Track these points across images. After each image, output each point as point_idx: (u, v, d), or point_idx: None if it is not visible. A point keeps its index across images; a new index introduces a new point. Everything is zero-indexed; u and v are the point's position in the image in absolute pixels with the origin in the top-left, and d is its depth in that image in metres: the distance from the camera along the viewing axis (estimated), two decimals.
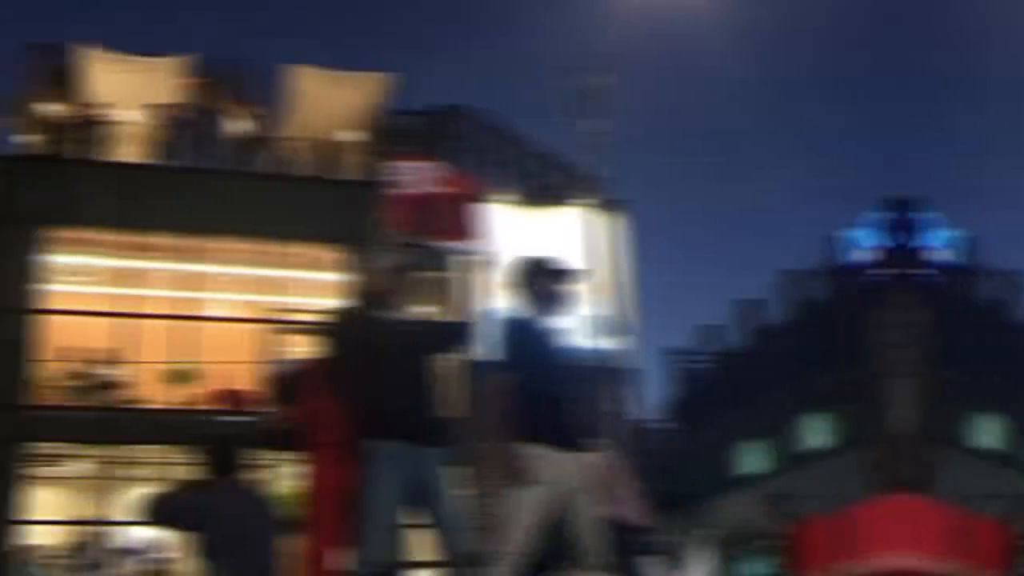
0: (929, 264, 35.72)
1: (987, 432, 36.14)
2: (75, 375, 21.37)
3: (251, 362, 21.53)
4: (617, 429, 15.62)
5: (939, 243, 36.41)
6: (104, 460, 20.62)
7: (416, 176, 6.89)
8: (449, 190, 7.02)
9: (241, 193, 23.02)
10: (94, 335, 21.47)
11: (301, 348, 17.72)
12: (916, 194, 36.84)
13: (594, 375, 15.65)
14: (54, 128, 23.71)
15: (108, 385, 21.24)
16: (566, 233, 22.20)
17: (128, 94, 24.07)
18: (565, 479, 6.43)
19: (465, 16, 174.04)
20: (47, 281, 21.63)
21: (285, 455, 7.37)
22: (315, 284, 23.12)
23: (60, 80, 24.70)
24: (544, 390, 6.53)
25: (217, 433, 7.20)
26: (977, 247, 38.51)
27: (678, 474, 47.96)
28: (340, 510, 6.67)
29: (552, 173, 26.20)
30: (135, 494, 18.41)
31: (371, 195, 19.39)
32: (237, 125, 24.46)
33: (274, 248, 22.47)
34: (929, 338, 32.64)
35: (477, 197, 7.26)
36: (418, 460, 6.54)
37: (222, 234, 22.45)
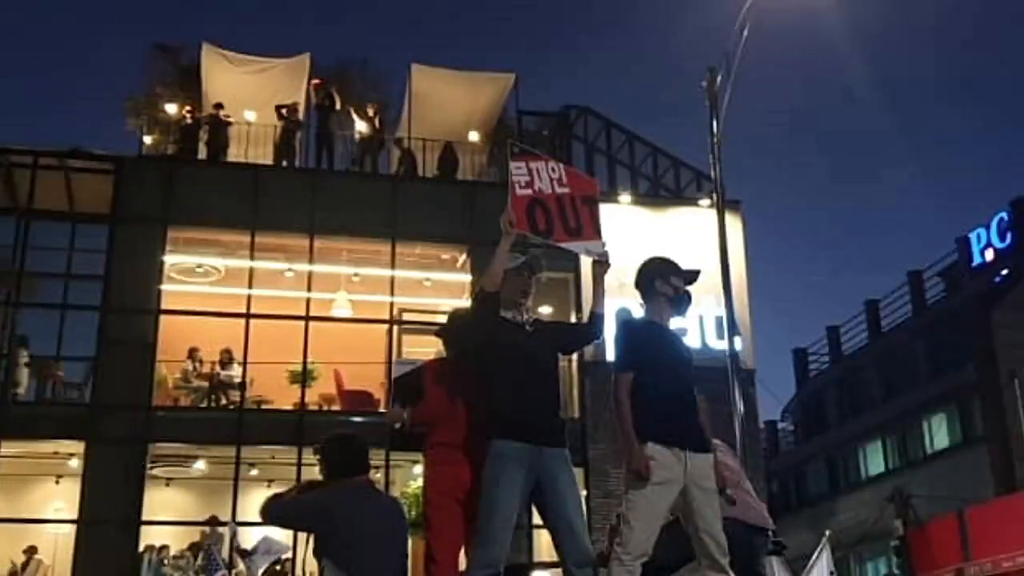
0: None
1: None
2: (197, 375, 21.47)
3: (373, 362, 21.48)
4: (737, 429, 15.26)
5: None
6: (225, 461, 20.66)
7: (538, 176, 6.66)
8: (571, 190, 6.83)
9: (360, 194, 22.94)
10: (215, 336, 21.53)
11: (423, 348, 17.67)
12: None
13: (714, 375, 15.32)
14: (175, 128, 23.92)
15: (229, 386, 21.28)
16: (687, 233, 21.86)
17: (248, 94, 24.20)
18: (686, 479, 6.31)
19: (581, 16, 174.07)
20: (167, 281, 21.78)
21: (407, 455, 7.24)
22: (436, 284, 22.97)
23: (182, 81, 24.95)
24: (666, 390, 6.43)
25: (337, 434, 6.94)
26: None
27: (799, 474, 47.45)
28: (461, 510, 6.52)
29: (673, 173, 25.86)
30: (256, 494, 18.39)
31: (493, 195, 19.44)
32: (357, 125, 24.39)
33: (395, 249, 22.31)
34: None
35: (598, 197, 7.04)
36: (539, 460, 6.33)
37: (341, 235, 22.35)
